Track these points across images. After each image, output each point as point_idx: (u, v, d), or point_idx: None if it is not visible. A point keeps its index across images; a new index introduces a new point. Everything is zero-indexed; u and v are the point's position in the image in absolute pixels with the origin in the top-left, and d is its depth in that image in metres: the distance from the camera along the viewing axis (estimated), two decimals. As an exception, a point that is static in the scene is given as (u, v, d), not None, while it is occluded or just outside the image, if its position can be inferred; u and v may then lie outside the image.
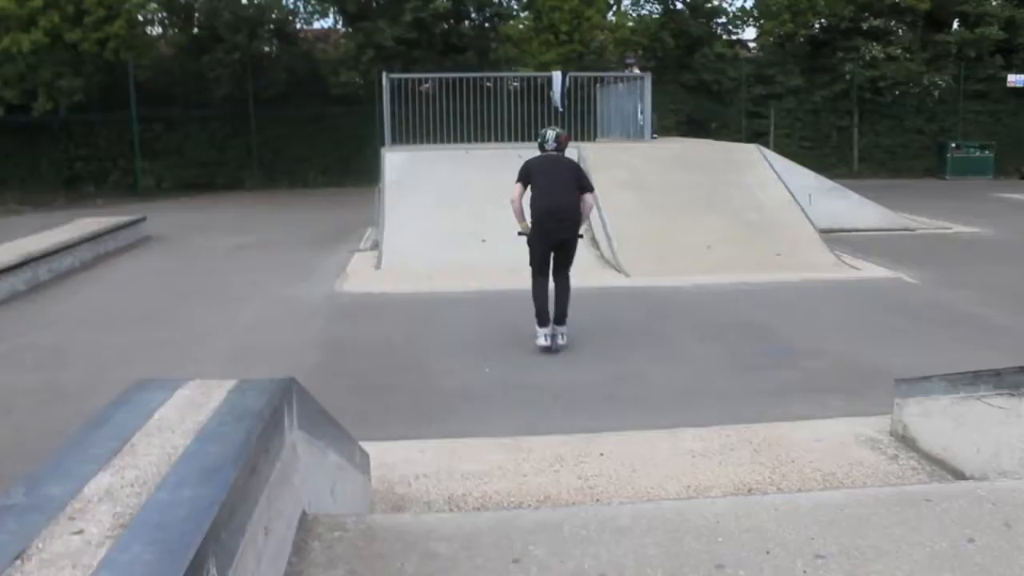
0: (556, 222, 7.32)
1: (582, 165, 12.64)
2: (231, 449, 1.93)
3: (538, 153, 7.73)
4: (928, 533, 2.18)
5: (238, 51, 22.93)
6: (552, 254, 7.47)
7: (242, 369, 6.90)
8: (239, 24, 23.00)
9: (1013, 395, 4.18)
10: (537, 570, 2.03)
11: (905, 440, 5.07)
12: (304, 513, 2.44)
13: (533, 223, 7.37)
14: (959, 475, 4.47)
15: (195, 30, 24.42)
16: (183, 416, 2.19)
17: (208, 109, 23.34)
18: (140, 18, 23.91)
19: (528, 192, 7.43)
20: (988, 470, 4.27)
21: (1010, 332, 7.95)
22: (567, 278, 7.59)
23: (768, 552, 2.09)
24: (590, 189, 7.60)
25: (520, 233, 7.59)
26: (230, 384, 2.44)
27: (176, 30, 24.92)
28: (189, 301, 9.81)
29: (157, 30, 25.45)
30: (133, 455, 1.92)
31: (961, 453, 4.59)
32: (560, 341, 7.53)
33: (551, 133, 7.80)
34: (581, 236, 7.79)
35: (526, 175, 7.46)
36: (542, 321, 7.43)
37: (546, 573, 2.02)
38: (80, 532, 1.55)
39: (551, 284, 7.52)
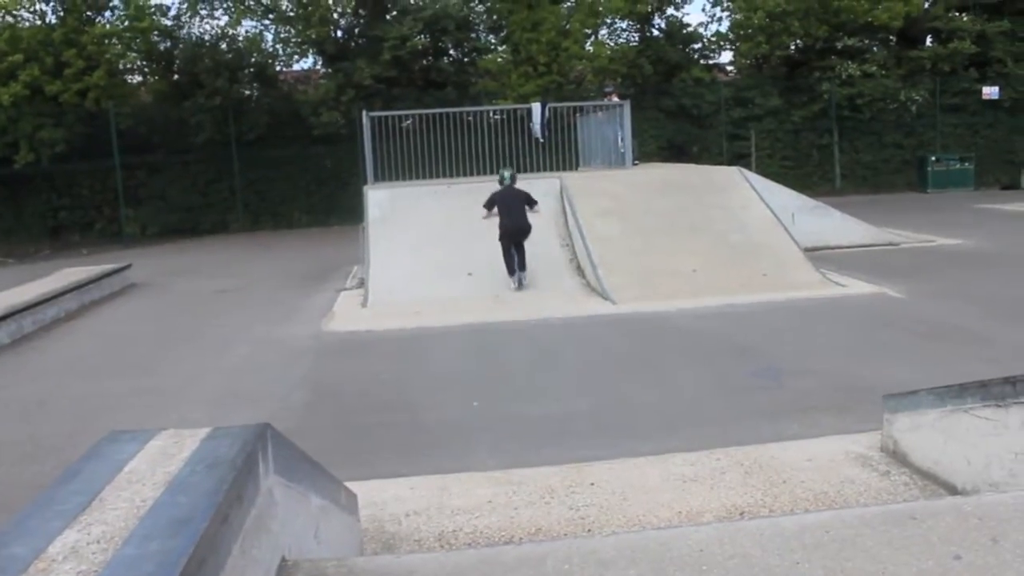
0: (517, 230, 11.55)
1: (564, 195, 12.80)
2: (201, 499, 1.90)
3: (499, 187, 12.02)
4: (915, 552, 2.15)
5: (219, 95, 23.04)
6: (513, 245, 11.65)
7: (228, 413, 6.87)
8: (219, 69, 23.14)
9: (1000, 406, 4.16)
10: (519, 608, 1.99)
11: (896, 455, 5.04)
12: (284, 559, 2.39)
13: (501, 232, 11.48)
14: (951, 488, 4.44)
15: (175, 76, 24.52)
16: (154, 467, 2.15)
17: (190, 154, 23.42)
18: (120, 67, 24.00)
19: (495, 211, 11.80)
20: (979, 482, 4.24)
21: (996, 343, 7.96)
22: (523, 247, 11.64)
23: (753, 579, 2.06)
24: (535, 203, 12.12)
25: (485, 216, 11.97)
26: (203, 433, 2.40)
27: (156, 77, 25.01)
28: (174, 347, 9.76)
29: (137, 78, 25.56)
30: (101, 510, 1.88)
31: (952, 466, 4.56)
32: (524, 281, 11.57)
33: (507, 173, 12.22)
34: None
35: (491, 203, 11.87)
36: (511, 272, 11.55)
37: (528, 610, 1.98)
38: (43, 593, 1.51)
39: (514, 253, 11.61)
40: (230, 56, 24.06)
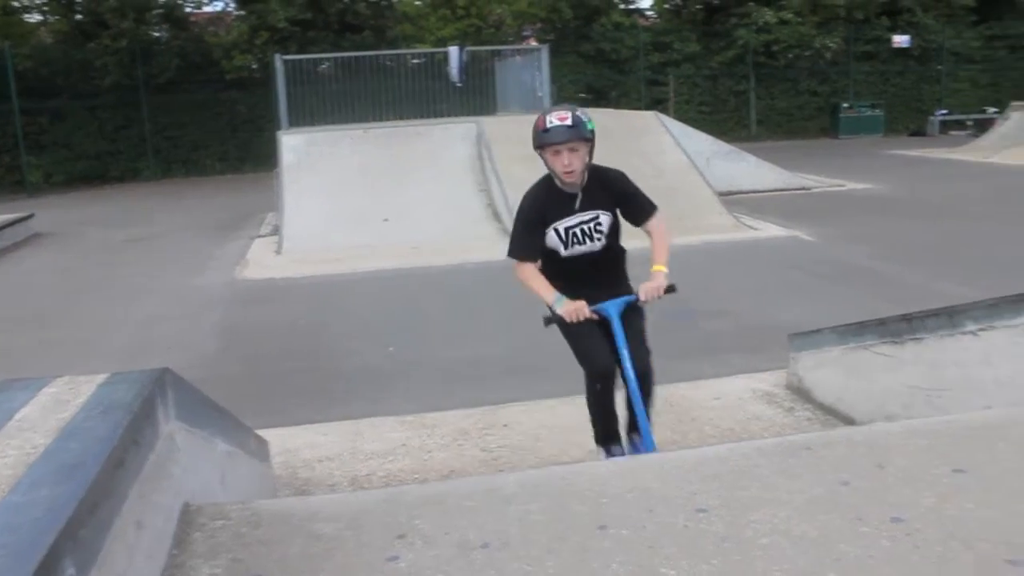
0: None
1: (481, 140, 12.69)
2: (94, 444, 1.86)
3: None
4: (807, 480, 2.23)
5: (125, 37, 22.22)
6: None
7: (137, 364, 6.69)
8: (124, 9, 22.26)
9: (896, 342, 4.32)
10: (422, 544, 2.01)
11: (800, 392, 5.20)
12: (187, 504, 2.37)
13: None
14: (851, 423, 4.60)
15: (77, 16, 23.51)
16: (47, 415, 2.10)
17: (97, 98, 22.54)
18: (16, 4, 22.90)
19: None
20: (877, 416, 4.41)
21: (899, 283, 8.23)
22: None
23: (651, 510, 2.11)
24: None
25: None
26: (100, 379, 2.35)
27: (56, 17, 23.94)
28: (82, 298, 9.49)
29: (36, 17, 24.44)
30: (-11, 458, 1.83)
31: (852, 401, 4.74)
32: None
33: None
34: None
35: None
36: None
37: (431, 546, 2.00)
38: (-78, 542, 1.46)
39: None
40: (136, -5, 23.17)
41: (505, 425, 4.82)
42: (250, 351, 7.15)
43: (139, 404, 2.14)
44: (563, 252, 3.91)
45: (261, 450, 3.90)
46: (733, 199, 12.97)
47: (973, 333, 3.81)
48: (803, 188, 15.17)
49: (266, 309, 8.59)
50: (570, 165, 3.68)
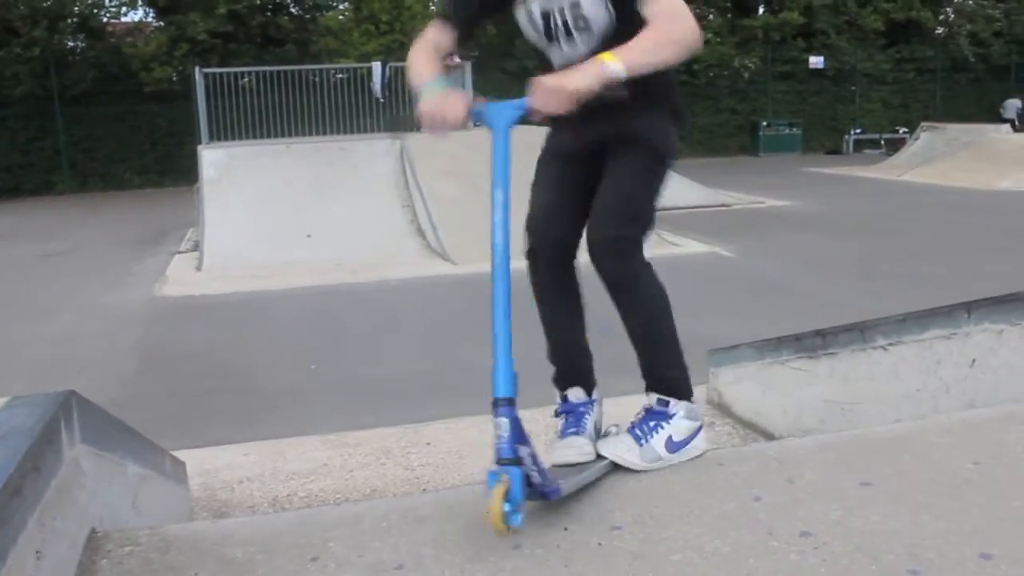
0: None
1: (404, 156, 12.64)
2: (-10, 472, 1.79)
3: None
4: (719, 496, 2.27)
5: (37, 46, 21.60)
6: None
7: (50, 385, 6.48)
8: (37, 16, 21.66)
9: (812, 357, 4.41)
10: (335, 566, 1.99)
11: (720, 407, 5.27)
12: (93, 530, 2.30)
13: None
14: (770, 437, 4.68)
15: (-14, 23, 22.84)
16: (-58, 440, 2.02)
17: (8, 109, 21.90)
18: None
19: None
20: (794, 430, 4.50)
21: (815, 298, 8.42)
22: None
23: (566, 529, 2.12)
24: None
25: None
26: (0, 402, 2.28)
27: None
28: (-9, 315, 9.19)
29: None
30: None
31: (770, 416, 4.82)
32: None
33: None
34: None
35: None
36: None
37: (345, 568, 1.98)
38: None
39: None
40: (49, 3, 22.53)
41: (428, 443, 4.80)
42: (169, 370, 6.99)
43: (40, 429, 2.07)
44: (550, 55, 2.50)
45: (178, 472, 3.81)
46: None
47: (883, 348, 3.92)
48: (724, 205, 15.46)
49: (186, 327, 8.43)
50: None
